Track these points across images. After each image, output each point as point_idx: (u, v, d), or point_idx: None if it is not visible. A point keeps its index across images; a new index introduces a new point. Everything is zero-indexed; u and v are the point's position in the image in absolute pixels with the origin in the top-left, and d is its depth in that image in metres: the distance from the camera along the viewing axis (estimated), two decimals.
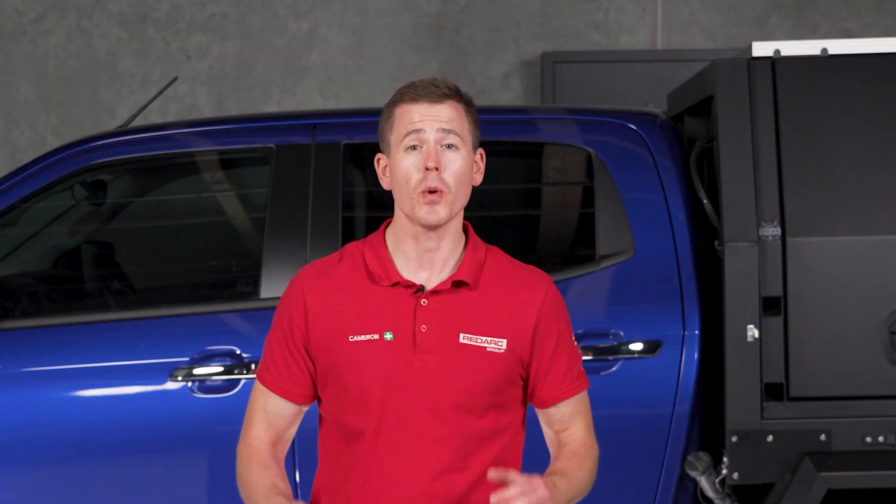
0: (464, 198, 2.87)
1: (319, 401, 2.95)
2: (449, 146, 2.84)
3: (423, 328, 2.84)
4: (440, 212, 2.82)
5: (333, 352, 2.86)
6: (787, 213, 4.10)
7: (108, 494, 4.26)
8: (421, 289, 2.87)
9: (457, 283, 2.88)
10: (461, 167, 2.84)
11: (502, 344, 2.86)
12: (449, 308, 2.86)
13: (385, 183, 2.91)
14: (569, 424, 2.93)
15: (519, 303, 2.89)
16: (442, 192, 2.82)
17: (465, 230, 2.94)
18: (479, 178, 2.93)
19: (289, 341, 2.90)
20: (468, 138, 2.87)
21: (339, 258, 2.94)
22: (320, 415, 2.95)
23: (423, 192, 2.81)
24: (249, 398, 2.96)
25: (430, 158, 2.81)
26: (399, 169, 2.84)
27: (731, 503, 4.17)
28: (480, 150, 2.93)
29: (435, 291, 2.87)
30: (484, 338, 2.86)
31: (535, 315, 2.89)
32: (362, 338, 2.85)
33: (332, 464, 2.90)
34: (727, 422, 4.10)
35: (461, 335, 2.85)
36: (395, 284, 2.87)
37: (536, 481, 2.66)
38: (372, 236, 2.94)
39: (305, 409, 2.95)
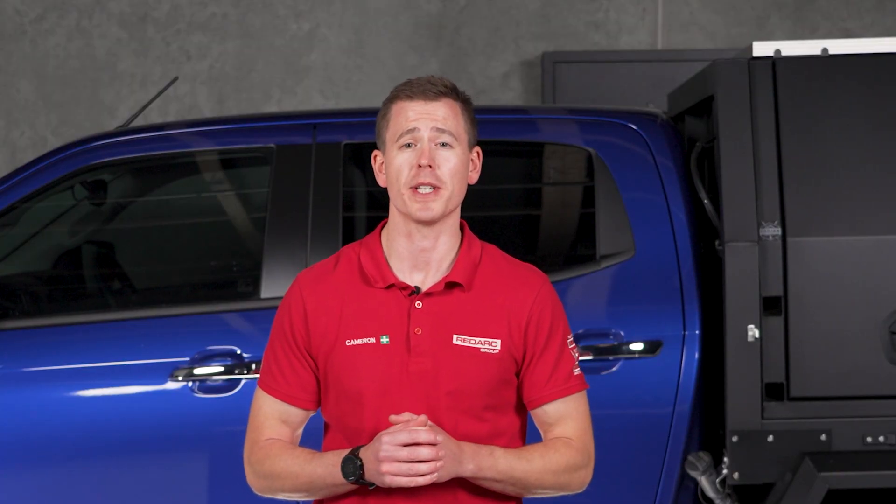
0: (459, 195, 2.86)
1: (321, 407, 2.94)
2: (443, 144, 2.83)
3: (418, 331, 2.84)
4: (434, 207, 2.82)
5: (332, 356, 2.86)
6: (787, 213, 4.10)
7: (109, 494, 4.26)
8: (416, 290, 2.87)
9: (450, 285, 2.87)
10: (455, 164, 2.83)
11: (496, 344, 2.85)
12: (443, 310, 2.85)
13: (381, 180, 2.91)
14: (556, 426, 2.90)
15: (513, 301, 2.88)
16: (437, 187, 2.81)
17: (460, 228, 2.93)
18: (475, 177, 2.92)
19: (293, 346, 2.89)
20: (464, 136, 2.86)
21: (336, 261, 2.93)
22: (325, 422, 2.94)
23: (413, 188, 2.81)
24: (252, 408, 2.94)
25: (424, 156, 2.81)
26: (392, 166, 2.84)
27: (731, 503, 4.16)
28: (477, 149, 2.92)
29: (428, 293, 2.86)
30: (478, 339, 2.85)
31: (528, 312, 2.88)
32: (359, 342, 2.85)
33: None
34: (728, 422, 4.10)
35: (455, 337, 2.84)
36: (390, 287, 2.87)
37: (437, 427, 2.75)
38: (368, 238, 2.94)
39: (311, 414, 2.95)
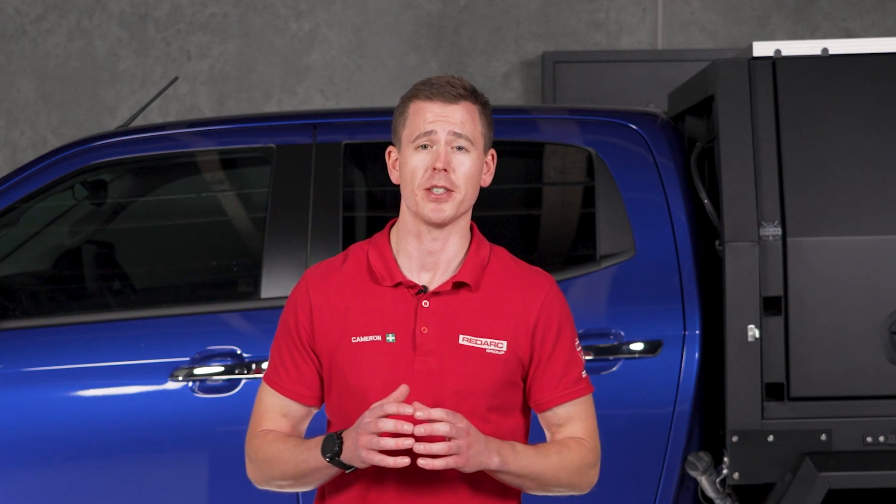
0: (471, 199, 2.86)
1: (325, 404, 2.94)
2: (459, 148, 2.83)
3: (424, 330, 2.84)
4: (446, 210, 2.82)
5: (337, 353, 2.86)
6: (787, 213, 4.10)
7: (109, 494, 4.26)
8: (423, 289, 2.87)
9: (458, 285, 2.87)
10: (470, 168, 2.84)
11: (502, 345, 2.85)
12: (450, 309, 2.85)
13: (394, 177, 2.91)
14: (565, 427, 2.90)
15: (520, 303, 2.88)
16: (450, 190, 2.82)
17: (470, 230, 2.93)
18: (488, 179, 2.92)
19: (296, 342, 2.90)
20: (480, 140, 2.86)
21: (344, 259, 2.94)
22: (328, 419, 2.94)
23: (427, 189, 2.81)
24: (255, 402, 2.95)
25: (440, 160, 2.81)
26: (408, 166, 2.84)
27: (731, 503, 4.16)
28: (492, 151, 2.92)
29: (436, 293, 2.86)
30: (484, 339, 2.85)
31: (535, 315, 2.88)
32: (365, 339, 2.85)
33: None
34: (728, 422, 4.10)
35: (461, 337, 2.84)
36: (398, 285, 2.87)
37: (460, 415, 2.69)
38: (377, 236, 2.95)
39: (314, 411, 2.95)
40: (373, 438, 2.67)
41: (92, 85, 7.55)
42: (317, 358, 2.90)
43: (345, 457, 2.73)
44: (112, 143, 4.58)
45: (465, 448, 2.69)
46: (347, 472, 2.77)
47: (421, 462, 2.68)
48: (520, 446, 2.82)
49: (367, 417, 2.69)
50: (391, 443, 2.66)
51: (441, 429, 2.67)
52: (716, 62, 4.22)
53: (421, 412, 2.67)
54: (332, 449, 2.74)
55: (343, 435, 2.75)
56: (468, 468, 2.72)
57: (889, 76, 4.15)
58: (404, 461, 2.68)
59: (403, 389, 2.71)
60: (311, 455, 2.78)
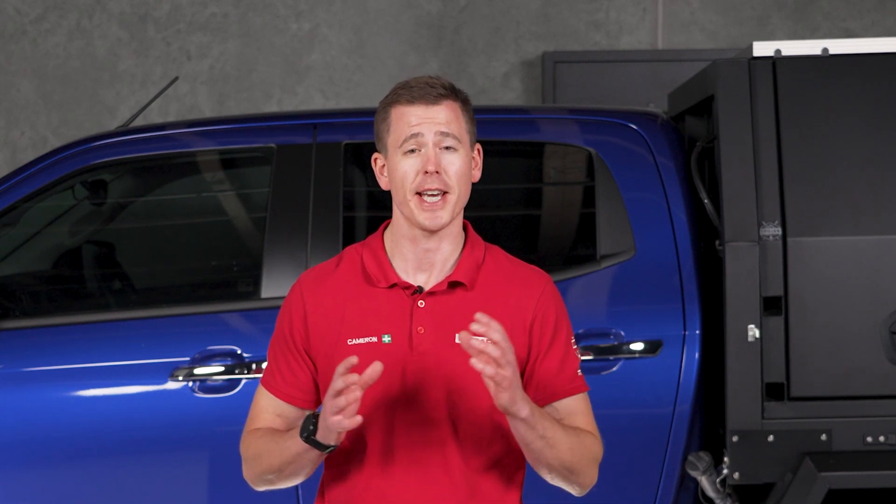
0: (465, 197, 2.86)
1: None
2: (447, 148, 2.83)
3: (420, 330, 2.84)
4: (442, 216, 2.82)
5: (333, 355, 2.85)
6: (787, 213, 4.10)
7: (109, 494, 4.26)
8: (419, 290, 2.87)
9: (453, 284, 2.87)
10: (461, 167, 2.83)
11: None
12: (445, 309, 2.85)
13: (383, 183, 2.90)
14: (567, 422, 2.87)
15: (516, 301, 2.88)
16: (445, 192, 2.81)
17: (464, 229, 2.93)
18: (477, 174, 2.92)
19: (291, 346, 2.90)
20: (466, 137, 2.86)
21: (338, 262, 2.93)
22: None
23: (419, 193, 2.80)
24: (252, 405, 2.95)
25: (430, 162, 2.80)
26: (398, 172, 2.83)
27: (731, 503, 4.17)
28: (478, 146, 2.92)
29: (431, 293, 2.86)
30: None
31: (531, 313, 2.87)
32: (361, 341, 2.84)
33: (335, 468, 2.90)
34: (728, 421, 4.10)
35: (457, 336, 2.83)
36: (393, 286, 2.87)
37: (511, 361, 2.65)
38: (370, 238, 2.94)
39: (308, 413, 2.94)
40: (335, 402, 2.64)
41: (92, 85, 7.55)
42: (311, 361, 2.90)
43: (320, 435, 2.71)
44: (112, 143, 4.58)
45: (510, 380, 2.64)
46: (325, 451, 2.74)
47: (473, 361, 2.62)
48: (545, 412, 2.78)
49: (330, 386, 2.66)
50: (342, 401, 2.63)
51: (493, 352, 2.62)
52: (716, 62, 4.23)
53: (483, 321, 2.62)
54: (308, 428, 2.73)
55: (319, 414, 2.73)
56: (505, 400, 2.66)
57: (889, 76, 4.16)
58: (357, 420, 2.64)
59: (377, 367, 2.66)
60: (293, 441, 2.77)
